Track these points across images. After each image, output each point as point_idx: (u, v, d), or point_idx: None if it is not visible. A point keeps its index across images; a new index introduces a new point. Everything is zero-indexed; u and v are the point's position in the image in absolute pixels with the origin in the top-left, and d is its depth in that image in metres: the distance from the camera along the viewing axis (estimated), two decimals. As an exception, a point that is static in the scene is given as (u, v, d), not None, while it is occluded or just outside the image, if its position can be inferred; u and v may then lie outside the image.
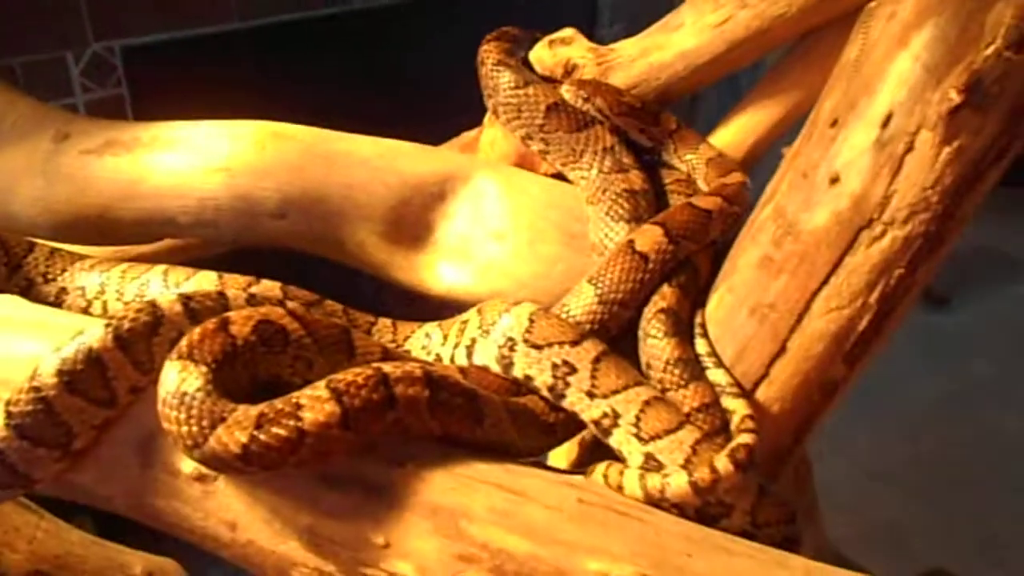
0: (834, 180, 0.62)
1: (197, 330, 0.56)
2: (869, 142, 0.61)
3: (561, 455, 0.75)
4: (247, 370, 0.58)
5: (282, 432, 0.52)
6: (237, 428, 0.52)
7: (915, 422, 3.12)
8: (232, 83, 2.03)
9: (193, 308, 0.60)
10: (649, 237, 0.66)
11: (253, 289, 0.66)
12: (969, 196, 0.61)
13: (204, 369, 0.54)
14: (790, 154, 0.67)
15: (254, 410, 0.53)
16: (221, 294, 0.62)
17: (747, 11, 0.71)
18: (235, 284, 0.66)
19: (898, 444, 3.07)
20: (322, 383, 0.55)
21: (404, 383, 0.56)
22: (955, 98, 0.58)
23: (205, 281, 0.68)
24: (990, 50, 0.58)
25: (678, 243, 0.66)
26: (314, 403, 0.54)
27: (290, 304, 0.65)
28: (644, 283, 0.66)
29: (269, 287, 0.68)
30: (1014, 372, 3.42)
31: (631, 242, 0.67)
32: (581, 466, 0.67)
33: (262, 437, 0.52)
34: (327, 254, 0.80)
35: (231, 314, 0.58)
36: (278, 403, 0.54)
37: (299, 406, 0.54)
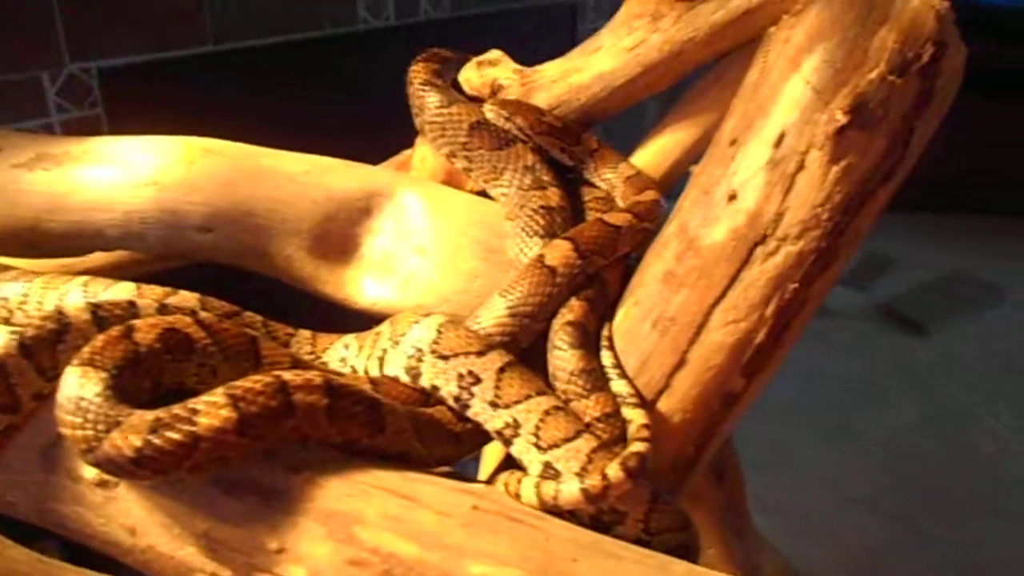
0: (732, 197, 0.65)
1: (100, 337, 0.57)
2: (763, 161, 0.64)
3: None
4: (150, 377, 0.59)
5: (176, 436, 0.53)
6: (132, 432, 0.53)
7: (893, 447, 3.13)
8: (208, 105, 2.05)
9: (101, 316, 0.61)
10: (559, 252, 0.68)
11: (169, 300, 0.67)
12: (860, 214, 0.63)
13: (104, 375, 0.55)
14: (695, 173, 0.69)
15: (150, 415, 0.54)
16: (131, 303, 0.63)
17: (658, 35, 0.73)
18: (151, 295, 0.68)
19: (876, 469, 3.08)
20: (220, 389, 0.56)
21: (303, 391, 0.57)
22: (841, 119, 0.61)
23: (123, 292, 0.69)
24: (874, 74, 0.61)
25: (587, 257, 0.68)
26: (210, 408, 0.55)
27: (203, 314, 0.66)
28: (552, 296, 0.67)
29: (186, 298, 0.69)
30: (989, 396, 3.44)
31: (541, 256, 0.68)
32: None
33: (156, 441, 0.53)
34: (254, 268, 0.82)
35: (136, 322, 0.60)
36: (175, 408, 0.55)
37: (195, 411, 0.55)
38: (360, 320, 0.84)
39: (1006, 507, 2.92)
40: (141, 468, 0.53)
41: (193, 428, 0.54)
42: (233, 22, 2.05)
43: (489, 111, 0.76)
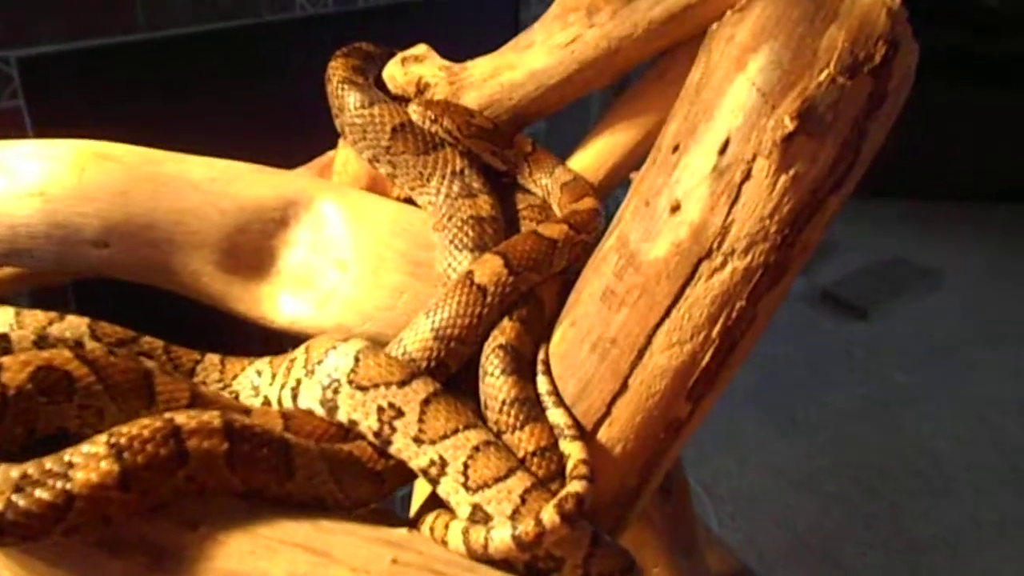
0: (675, 208, 0.60)
1: None
2: (708, 169, 0.59)
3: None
4: (21, 423, 0.51)
5: (46, 496, 0.46)
6: (-8, 493, 0.46)
7: (834, 430, 3.18)
8: (136, 95, 1.94)
9: None
10: (489, 268, 0.62)
11: (52, 328, 0.60)
12: (810, 225, 0.59)
13: None
14: (636, 180, 0.64)
15: (16, 470, 0.47)
16: (3, 336, 0.56)
17: (594, 31, 0.67)
18: (31, 323, 0.60)
19: (818, 452, 3.13)
20: (102, 437, 0.49)
21: (199, 435, 0.51)
22: (789, 125, 0.56)
23: (3, 317, 0.61)
24: (823, 75, 0.56)
25: (519, 274, 0.62)
26: (89, 461, 0.48)
27: (90, 345, 0.59)
28: (483, 317, 0.62)
29: (74, 324, 0.62)
30: (929, 380, 3.53)
31: (470, 273, 0.63)
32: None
33: (21, 503, 0.46)
34: (158, 284, 0.74)
35: (4, 360, 0.52)
36: (47, 461, 0.48)
37: (71, 464, 0.48)
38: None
39: (944, 487, 2.99)
40: (5, 534, 0.46)
41: (67, 485, 0.47)
42: (165, 8, 1.93)
43: (414, 113, 0.70)
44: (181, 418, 0.51)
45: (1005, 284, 4.05)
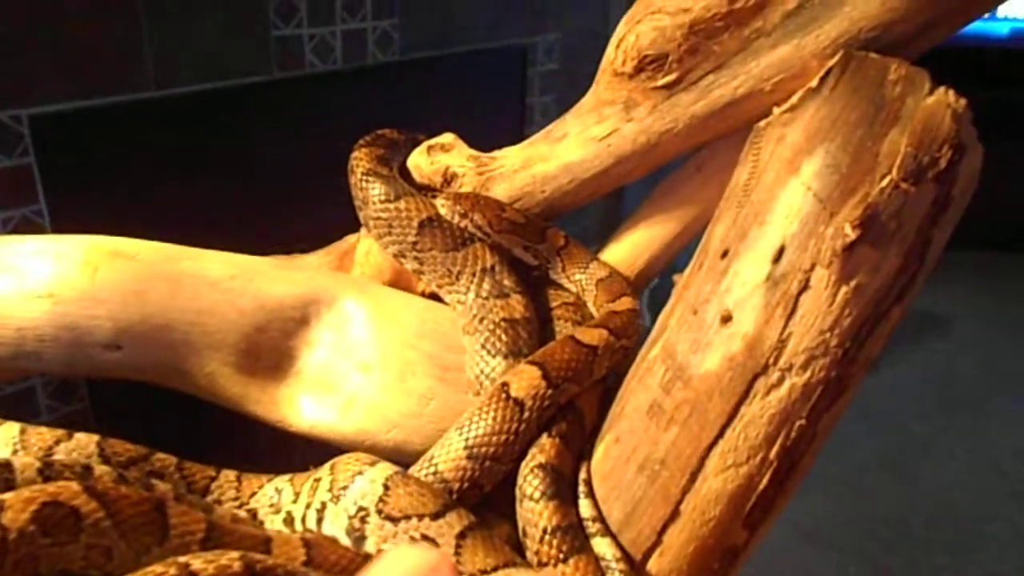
0: (726, 319, 0.56)
1: None
2: (761, 278, 0.55)
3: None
4: (22, 570, 0.47)
5: None
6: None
7: (850, 483, 3.11)
8: (147, 153, 1.93)
9: None
10: (526, 380, 0.58)
11: (59, 448, 0.56)
12: (872, 338, 0.55)
13: None
14: (680, 284, 0.61)
15: None
16: (6, 464, 0.51)
17: (632, 125, 0.65)
18: (39, 442, 0.56)
19: (833, 505, 3.06)
20: None
21: (217, 584, 0.46)
22: (851, 234, 0.53)
23: (4, 436, 0.57)
24: (886, 181, 0.53)
25: (558, 387, 0.58)
26: None
27: (99, 469, 0.55)
28: (520, 434, 0.57)
29: (82, 444, 0.58)
30: (945, 431, 3.47)
31: (505, 386, 0.59)
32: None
33: None
34: (173, 386, 0.70)
35: (6, 497, 0.48)
36: None
37: None
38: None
39: (960, 540, 2.92)
40: None
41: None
42: (175, 66, 1.93)
43: (442, 207, 0.67)
44: (197, 563, 0.47)
45: (1016, 332, 4.01)
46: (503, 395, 0.58)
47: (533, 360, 0.59)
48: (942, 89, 0.53)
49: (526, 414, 0.57)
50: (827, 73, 0.55)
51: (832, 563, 2.85)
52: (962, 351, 4.06)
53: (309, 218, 1.71)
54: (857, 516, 3.07)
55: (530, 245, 0.69)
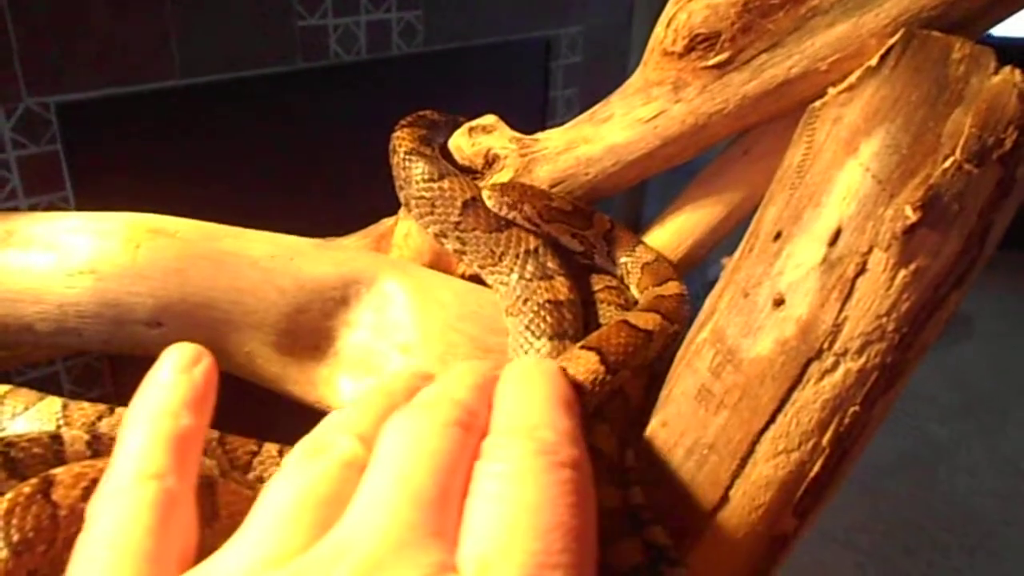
0: (778, 302, 0.55)
1: (7, 498, 0.45)
2: (816, 260, 0.54)
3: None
4: (72, 548, 0.47)
5: None
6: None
7: (871, 484, 3.09)
8: (172, 141, 1.94)
9: (14, 459, 0.49)
10: (583, 365, 0.57)
11: (102, 424, 0.56)
12: (930, 323, 0.54)
13: (5, 555, 0.43)
14: (730, 267, 0.60)
15: None
16: (55, 437, 0.51)
17: (681, 106, 0.63)
18: (81, 417, 0.56)
19: (854, 507, 3.05)
20: None
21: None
22: (911, 216, 0.51)
23: (47, 411, 0.57)
24: (948, 162, 0.51)
25: (616, 372, 0.57)
26: None
27: (146, 444, 0.54)
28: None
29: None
30: (965, 432, 3.43)
31: (562, 371, 0.58)
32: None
33: None
34: (212, 365, 0.70)
35: (58, 472, 0.47)
36: None
37: None
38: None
39: (981, 544, 2.89)
40: None
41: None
42: (201, 55, 1.94)
43: (489, 198, 0.65)
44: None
45: (1039, 334, 3.95)
46: (558, 378, 0.57)
47: (588, 345, 0.58)
48: (1008, 68, 0.52)
49: (586, 399, 0.56)
50: (887, 52, 0.54)
51: (850, 564, 2.83)
52: (984, 353, 4.03)
53: (334, 207, 1.71)
54: (875, 517, 3.05)
55: (577, 232, 0.68)
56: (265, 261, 0.68)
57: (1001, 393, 3.54)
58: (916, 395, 3.44)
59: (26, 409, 0.58)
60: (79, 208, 1.74)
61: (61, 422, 0.56)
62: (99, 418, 0.57)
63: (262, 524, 0.32)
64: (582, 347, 0.57)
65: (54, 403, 0.58)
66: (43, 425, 0.56)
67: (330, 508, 0.32)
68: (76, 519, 0.46)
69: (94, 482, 0.48)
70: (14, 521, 0.44)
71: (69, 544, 0.46)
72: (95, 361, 1.88)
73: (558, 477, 0.33)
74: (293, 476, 0.34)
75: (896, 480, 3.01)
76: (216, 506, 0.51)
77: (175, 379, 0.40)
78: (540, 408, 0.37)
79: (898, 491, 2.98)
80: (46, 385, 1.81)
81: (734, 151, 0.68)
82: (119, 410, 0.58)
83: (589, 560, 0.32)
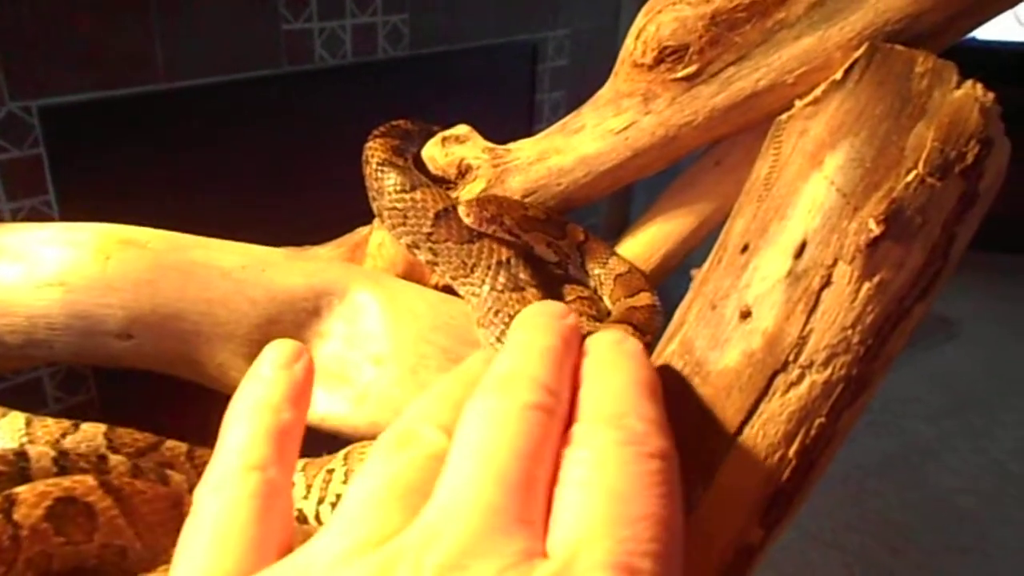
0: (745, 315, 0.55)
1: None
2: (782, 273, 0.54)
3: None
4: (34, 569, 0.46)
5: None
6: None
7: (855, 484, 3.11)
8: (156, 145, 1.93)
9: None
10: None
11: (66, 441, 0.55)
12: (894, 335, 0.54)
13: None
14: (699, 279, 0.60)
15: None
16: (20, 454, 0.51)
17: (651, 117, 0.64)
18: (46, 435, 0.55)
19: (841, 508, 3.06)
20: None
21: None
22: (875, 229, 0.52)
23: (9, 427, 0.56)
24: (911, 176, 0.52)
25: None
26: None
27: (113, 459, 0.54)
28: None
29: (89, 435, 0.57)
30: (950, 432, 3.45)
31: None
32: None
33: None
34: (184, 376, 0.70)
35: (20, 491, 0.47)
36: None
37: None
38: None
39: (967, 544, 2.91)
40: None
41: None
42: (185, 59, 1.94)
43: (467, 216, 0.65)
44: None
45: (1025, 335, 3.98)
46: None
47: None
48: (969, 82, 0.52)
49: None
50: (852, 65, 0.54)
51: (837, 564, 2.84)
52: (971, 353, 4.05)
53: (318, 211, 1.71)
54: (862, 518, 3.06)
55: (552, 241, 0.68)
56: (236, 272, 0.68)
57: (987, 394, 3.56)
58: (902, 396, 3.46)
59: (-10, 425, 0.58)
60: (63, 212, 1.73)
61: (25, 439, 0.56)
62: (63, 435, 0.56)
63: (352, 513, 0.33)
64: None
65: (17, 419, 0.58)
66: (5, 442, 0.56)
67: (418, 496, 0.32)
68: (38, 539, 0.46)
69: (58, 501, 0.48)
70: (-28, 540, 0.44)
71: (30, 565, 0.46)
72: (79, 366, 1.87)
73: (647, 467, 0.33)
74: (380, 467, 0.34)
75: (883, 481, 3.03)
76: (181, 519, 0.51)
77: (276, 375, 0.41)
78: (625, 395, 0.37)
79: (885, 492, 2.99)
80: (29, 390, 1.80)
81: (705, 162, 0.69)
82: (84, 426, 0.58)
83: (677, 551, 0.32)
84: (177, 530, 0.49)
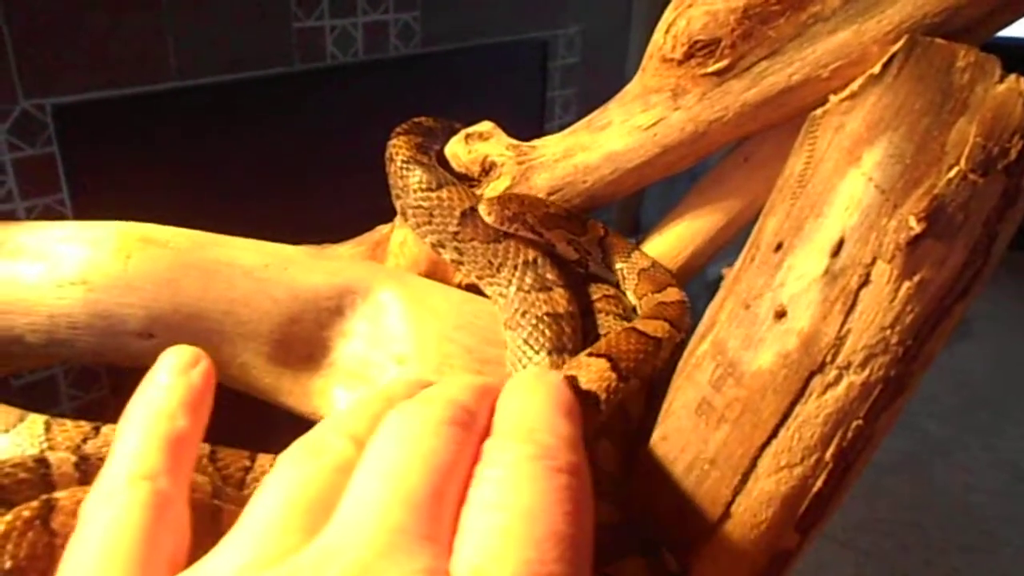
0: (780, 314, 0.54)
1: (5, 520, 0.44)
2: (818, 272, 0.53)
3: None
4: None
5: None
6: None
7: (866, 483, 3.08)
8: (168, 143, 1.93)
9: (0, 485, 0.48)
10: (595, 372, 0.55)
11: (87, 446, 0.54)
12: (934, 335, 0.53)
13: None
14: (730, 277, 0.59)
15: None
16: (41, 460, 0.50)
17: (680, 113, 0.62)
18: (66, 440, 0.54)
19: (851, 506, 3.05)
20: None
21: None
22: (915, 226, 0.50)
23: (28, 432, 0.55)
24: (953, 172, 0.51)
25: (627, 380, 0.56)
26: None
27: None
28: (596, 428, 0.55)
29: (110, 439, 0.56)
30: (963, 431, 3.43)
31: (572, 379, 0.56)
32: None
33: None
34: (205, 377, 0.69)
35: (60, 496, 0.46)
36: None
37: None
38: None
39: (979, 543, 2.89)
40: None
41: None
42: (197, 57, 1.94)
43: (489, 215, 0.64)
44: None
45: (1037, 334, 3.95)
46: (573, 388, 0.56)
47: (597, 352, 0.57)
48: (1013, 77, 0.51)
49: (603, 407, 0.55)
50: (890, 59, 0.53)
51: (848, 563, 2.83)
52: (982, 351, 4.02)
53: (330, 208, 1.70)
54: (873, 516, 3.05)
55: (573, 238, 0.67)
56: (258, 271, 0.67)
57: (999, 393, 3.53)
58: (915, 395, 3.44)
59: (6, 431, 0.57)
60: (76, 210, 1.72)
61: (44, 445, 0.55)
62: (84, 440, 0.55)
63: (252, 527, 0.32)
64: (590, 354, 0.56)
65: (36, 423, 0.57)
66: (25, 448, 0.55)
67: (321, 511, 0.32)
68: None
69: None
70: (8, 547, 0.43)
71: None
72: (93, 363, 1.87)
73: (555, 483, 0.32)
74: (284, 478, 0.34)
75: (895, 479, 3.01)
76: (220, 534, 0.50)
77: (172, 381, 0.40)
78: (539, 413, 0.37)
79: (897, 490, 2.97)
80: (44, 388, 1.80)
81: (734, 158, 0.68)
82: (104, 429, 0.57)
83: (584, 570, 0.32)
84: (213, 535, 0.48)
